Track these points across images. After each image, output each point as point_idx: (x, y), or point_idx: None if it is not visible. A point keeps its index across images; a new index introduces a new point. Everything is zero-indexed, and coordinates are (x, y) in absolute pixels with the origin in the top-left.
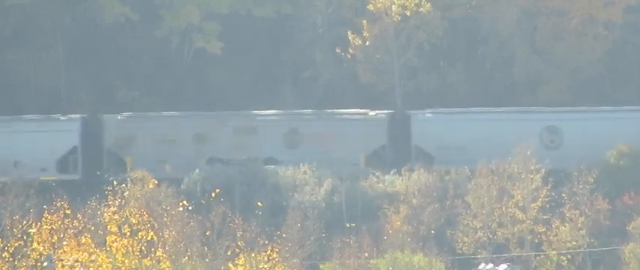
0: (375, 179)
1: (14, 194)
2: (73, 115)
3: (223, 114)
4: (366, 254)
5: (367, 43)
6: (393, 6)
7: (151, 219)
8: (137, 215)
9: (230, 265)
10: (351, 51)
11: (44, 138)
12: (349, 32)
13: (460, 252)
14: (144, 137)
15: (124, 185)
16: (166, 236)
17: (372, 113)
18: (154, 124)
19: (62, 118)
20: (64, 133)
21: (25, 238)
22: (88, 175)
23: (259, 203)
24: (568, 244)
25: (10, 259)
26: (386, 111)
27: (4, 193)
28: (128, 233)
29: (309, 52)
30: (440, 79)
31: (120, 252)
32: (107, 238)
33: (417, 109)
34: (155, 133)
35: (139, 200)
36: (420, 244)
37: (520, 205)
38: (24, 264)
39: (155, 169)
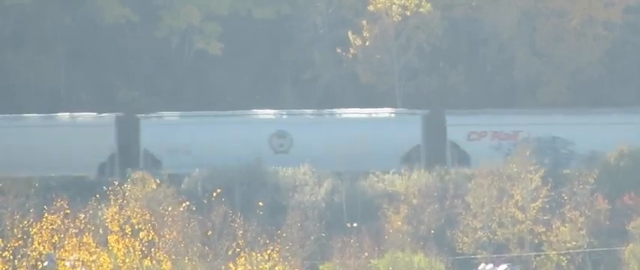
0: (376, 179)
1: (14, 194)
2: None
3: None
4: (366, 254)
5: (367, 44)
6: (394, 6)
7: (152, 219)
8: (138, 215)
9: (231, 264)
10: (351, 51)
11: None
12: (350, 32)
13: (460, 252)
14: None
15: (125, 185)
16: (167, 236)
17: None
18: None
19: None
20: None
21: (25, 238)
22: None
23: (260, 203)
24: (568, 245)
25: (11, 259)
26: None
27: (4, 192)
28: (129, 233)
29: (309, 52)
30: (440, 81)
31: (121, 252)
32: (108, 237)
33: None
34: None
35: (140, 200)
36: (420, 244)
37: (520, 205)
38: (24, 264)
39: None
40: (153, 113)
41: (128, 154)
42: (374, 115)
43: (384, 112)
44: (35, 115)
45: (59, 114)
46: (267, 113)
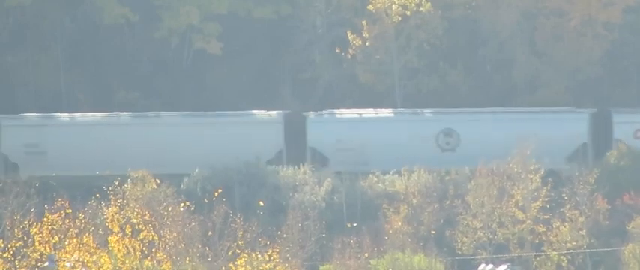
0: (375, 179)
1: (15, 194)
2: None
3: None
4: (366, 254)
5: (367, 44)
6: (393, 6)
7: (153, 219)
8: (139, 215)
9: (231, 265)
10: (350, 51)
11: None
12: (349, 32)
13: (460, 252)
14: None
15: (125, 185)
16: (167, 236)
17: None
18: None
19: None
20: None
21: (25, 238)
22: None
23: (260, 203)
24: (568, 245)
25: (12, 259)
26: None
27: (5, 193)
28: (129, 233)
29: (308, 52)
30: (440, 80)
31: (121, 252)
32: (109, 238)
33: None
34: None
35: (140, 200)
36: (420, 244)
37: (520, 205)
38: (25, 264)
39: None
40: (320, 111)
41: (295, 151)
42: (541, 114)
43: (551, 110)
44: (208, 112)
45: (228, 111)
46: (434, 111)
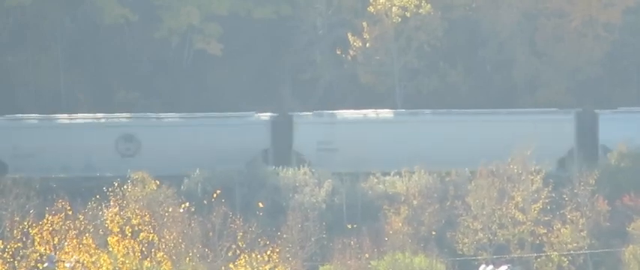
0: (376, 180)
1: (14, 195)
2: None
3: None
4: (367, 255)
5: (367, 45)
6: (393, 7)
7: (152, 220)
8: (139, 216)
9: (231, 265)
10: (351, 52)
11: None
12: (349, 34)
13: (461, 253)
14: None
15: (125, 186)
16: (167, 237)
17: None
18: None
19: None
20: None
21: (24, 239)
22: None
23: (260, 204)
24: (569, 246)
25: (11, 260)
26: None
27: (5, 194)
28: (129, 234)
29: (308, 53)
30: (440, 81)
31: (121, 253)
32: (108, 239)
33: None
34: None
35: (140, 201)
36: (421, 245)
37: (520, 206)
38: (24, 265)
39: None
40: (615, 108)
41: (585, 149)
42: None
43: None
44: (496, 109)
45: (519, 109)
46: None
